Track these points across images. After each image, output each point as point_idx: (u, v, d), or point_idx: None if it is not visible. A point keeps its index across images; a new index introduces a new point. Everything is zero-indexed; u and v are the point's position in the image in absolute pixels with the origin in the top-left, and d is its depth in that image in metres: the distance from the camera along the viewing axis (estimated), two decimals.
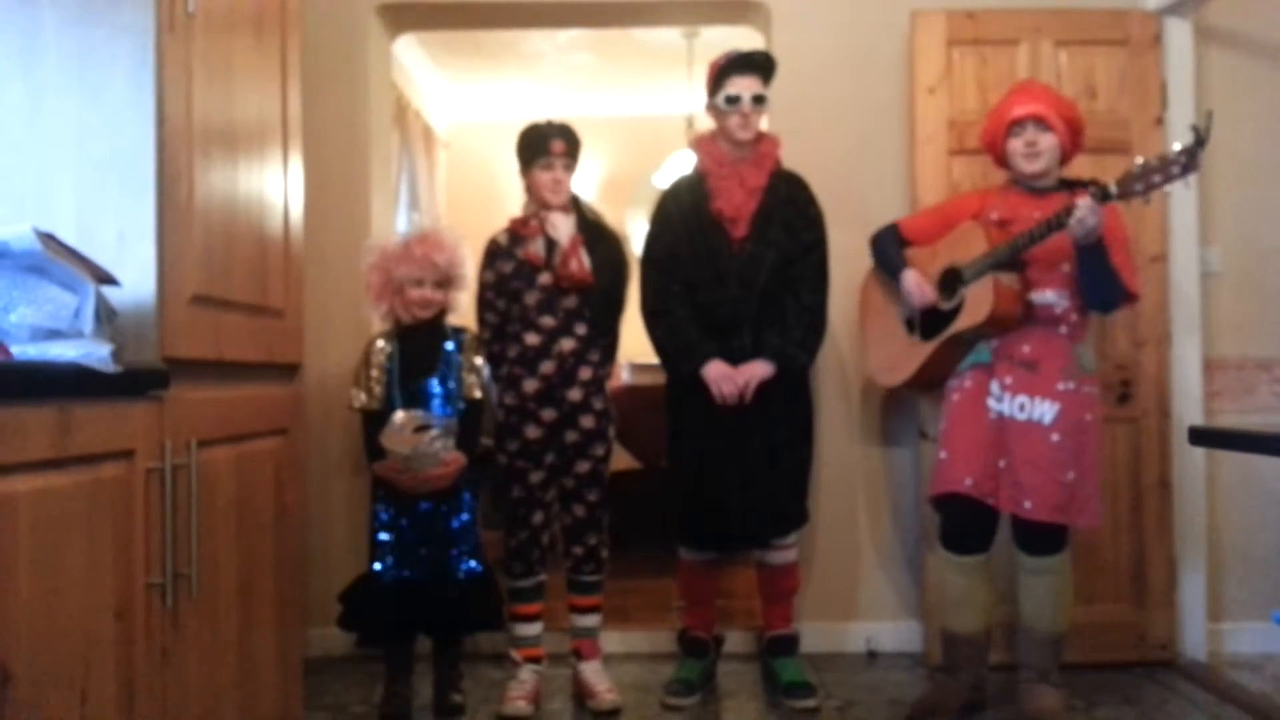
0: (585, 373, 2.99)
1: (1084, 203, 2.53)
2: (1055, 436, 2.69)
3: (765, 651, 3.21)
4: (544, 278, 2.98)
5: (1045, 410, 2.71)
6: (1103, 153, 3.26)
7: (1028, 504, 2.69)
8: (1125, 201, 2.56)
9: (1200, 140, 2.43)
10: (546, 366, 2.96)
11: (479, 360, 2.94)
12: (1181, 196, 3.37)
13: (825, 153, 3.43)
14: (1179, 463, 3.37)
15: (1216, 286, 3.46)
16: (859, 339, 3.31)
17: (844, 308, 3.31)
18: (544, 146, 2.99)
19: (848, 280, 3.24)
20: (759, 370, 2.91)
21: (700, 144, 3.11)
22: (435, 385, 2.85)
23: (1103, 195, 2.54)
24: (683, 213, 3.04)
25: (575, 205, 3.08)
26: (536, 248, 2.99)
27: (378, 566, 2.84)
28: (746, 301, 2.96)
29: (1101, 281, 2.68)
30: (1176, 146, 2.48)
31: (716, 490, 2.94)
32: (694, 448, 3.01)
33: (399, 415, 2.73)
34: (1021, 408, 2.73)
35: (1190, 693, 3.08)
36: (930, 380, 2.99)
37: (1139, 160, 2.52)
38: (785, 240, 2.97)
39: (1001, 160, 2.89)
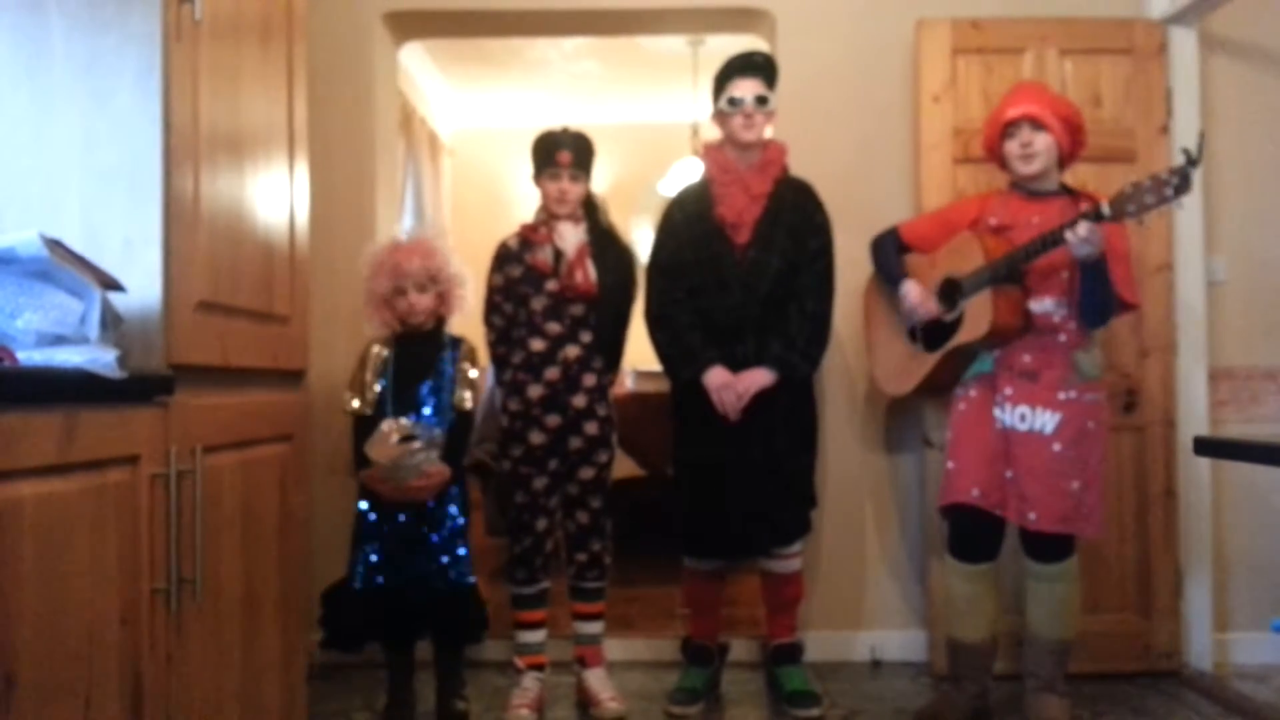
0: (589, 379, 2.99)
1: (1083, 227, 2.52)
2: (1057, 446, 2.69)
3: (769, 660, 3.20)
4: (551, 284, 2.98)
5: (1046, 420, 2.71)
6: (1107, 162, 3.27)
7: (1032, 515, 2.68)
8: (1119, 222, 2.56)
9: (1192, 161, 2.40)
10: (551, 373, 2.96)
11: (473, 373, 2.92)
12: (1187, 205, 3.35)
13: (830, 160, 3.42)
14: (1184, 472, 3.36)
15: (1222, 296, 3.46)
16: (864, 346, 3.31)
17: (849, 315, 3.31)
18: (551, 156, 3.00)
19: (853, 287, 3.24)
20: (759, 378, 2.91)
21: (708, 151, 3.11)
22: (428, 393, 2.84)
23: (1096, 216, 2.54)
24: (688, 219, 3.04)
25: (590, 212, 3.08)
26: (545, 255, 3.00)
27: (361, 568, 2.81)
28: (749, 308, 2.95)
29: (1099, 298, 2.67)
30: (1169, 167, 2.46)
31: (718, 498, 2.94)
32: (696, 455, 3.00)
33: (385, 424, 2.72)
34: (1023, 418, 2.73)
35: (1195, 703, 3.07)
36: (935, 388, 3.00)
37: (1132, 181, 2.51)
38: (790, 247, 2.97)
39: (1002, 164, 2.88)
